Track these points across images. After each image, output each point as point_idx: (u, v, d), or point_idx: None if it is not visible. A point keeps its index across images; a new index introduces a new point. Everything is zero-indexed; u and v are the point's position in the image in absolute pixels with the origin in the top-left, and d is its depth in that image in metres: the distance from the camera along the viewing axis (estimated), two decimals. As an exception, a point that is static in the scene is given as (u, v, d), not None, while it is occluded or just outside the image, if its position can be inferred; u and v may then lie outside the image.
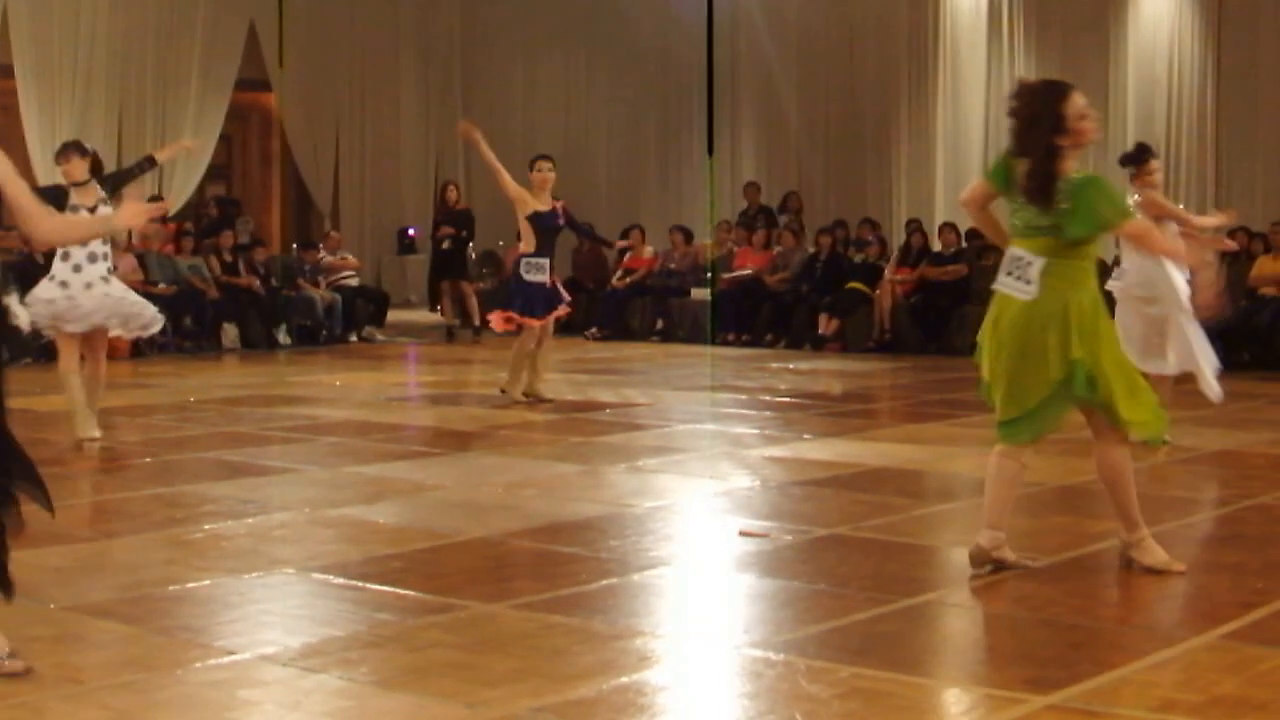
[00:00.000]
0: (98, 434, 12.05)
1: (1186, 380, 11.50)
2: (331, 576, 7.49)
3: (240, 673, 5.91)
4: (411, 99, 26.49)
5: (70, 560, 7.86)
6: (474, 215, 22.86)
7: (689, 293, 22.57)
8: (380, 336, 22.51)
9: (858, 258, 21.40)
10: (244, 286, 21.07)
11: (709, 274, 22.20)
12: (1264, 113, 21.08)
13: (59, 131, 22.05)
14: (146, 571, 7.63)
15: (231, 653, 6.15)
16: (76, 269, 11.86)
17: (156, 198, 19.14)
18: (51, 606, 6.84)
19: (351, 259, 23.45)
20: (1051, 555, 7.91)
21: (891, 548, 8.32)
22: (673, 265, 23.01)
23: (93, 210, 11.72)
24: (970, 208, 7.86)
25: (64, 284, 11.86)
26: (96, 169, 12.24)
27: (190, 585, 7.33)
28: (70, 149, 12.20)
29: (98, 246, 11.97)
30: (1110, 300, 9.60)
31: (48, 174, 21.85)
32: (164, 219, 20.73)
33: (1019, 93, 7.54)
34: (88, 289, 11.87)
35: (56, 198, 11.52)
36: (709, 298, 21.86)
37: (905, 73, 23.42)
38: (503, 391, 14.56)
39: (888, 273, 20.76)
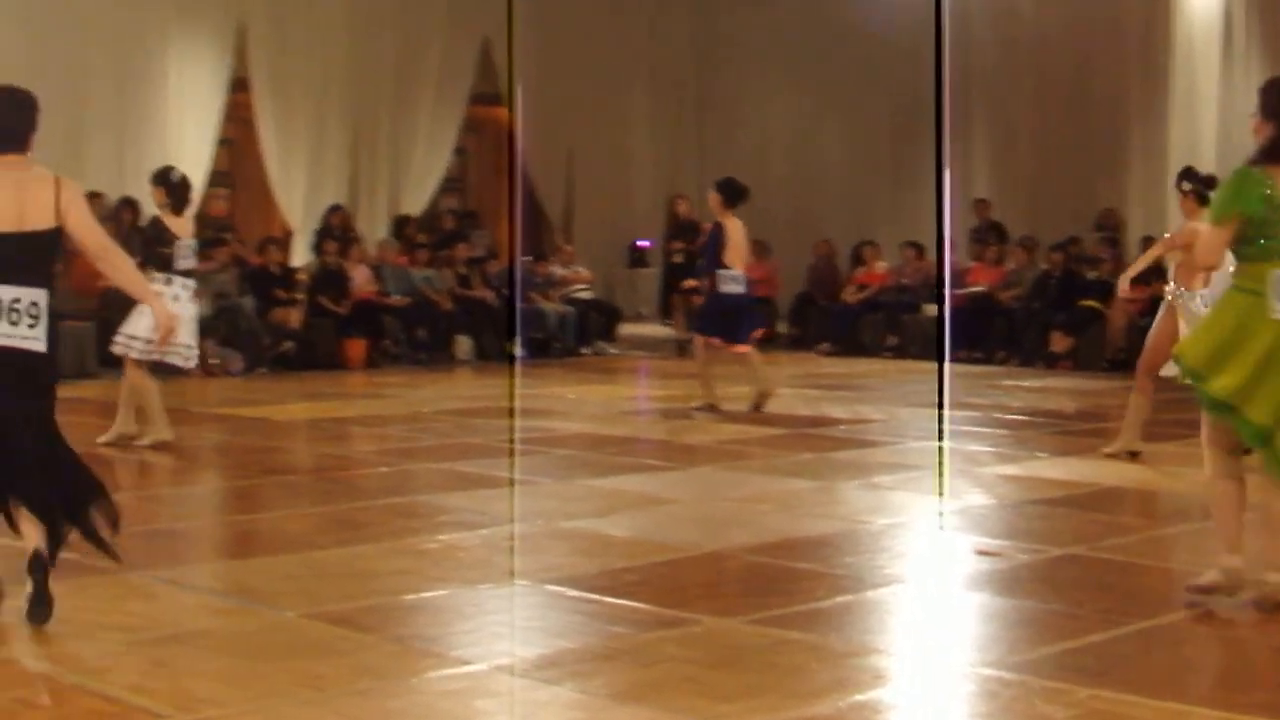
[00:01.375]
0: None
1: None
2: (565, 588, 7.50)
3: (475, 683, 5.93)
4: (643, 112, 26.53)
5: (306, 569, 7.95)
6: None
7: (920, 308, 22.39)
8: (612, 350, 22.60)
9: (1091, 275, 21.09)
10: (477, 299, 21.26)
11: (941, 290, 22.00)
12: None
13: (295, 145, 22.44)
14: (382, 581, 7.69)
15: (466, 663, 6.17)
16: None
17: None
18: (289, 614, 6.91)
19: (583, 272, 23.57)
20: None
21: (1128, 568, 8.18)
22: (904, 280, 22.85)
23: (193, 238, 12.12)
24: (1217, 262, 7.42)
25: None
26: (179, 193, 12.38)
27: (425, 595, 7.38)
28: (153, 178, 12.44)
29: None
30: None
31: (286, 188, 22.28)
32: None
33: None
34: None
35: (158, 233, 11.92)
36: (940, 314, 21.66)
37: (1137, 88, 23.01)
38: (711, 408, 14.58)
39: (1120, 291, 20.38)
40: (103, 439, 12.15)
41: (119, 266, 7.29)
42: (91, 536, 7.03)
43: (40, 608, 6.63)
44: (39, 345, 6.79)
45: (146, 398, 12.21)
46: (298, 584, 7.57)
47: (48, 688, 5.77)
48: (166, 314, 7.89)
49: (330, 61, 22.82)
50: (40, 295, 6.80)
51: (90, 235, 7.11)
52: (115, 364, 12.91)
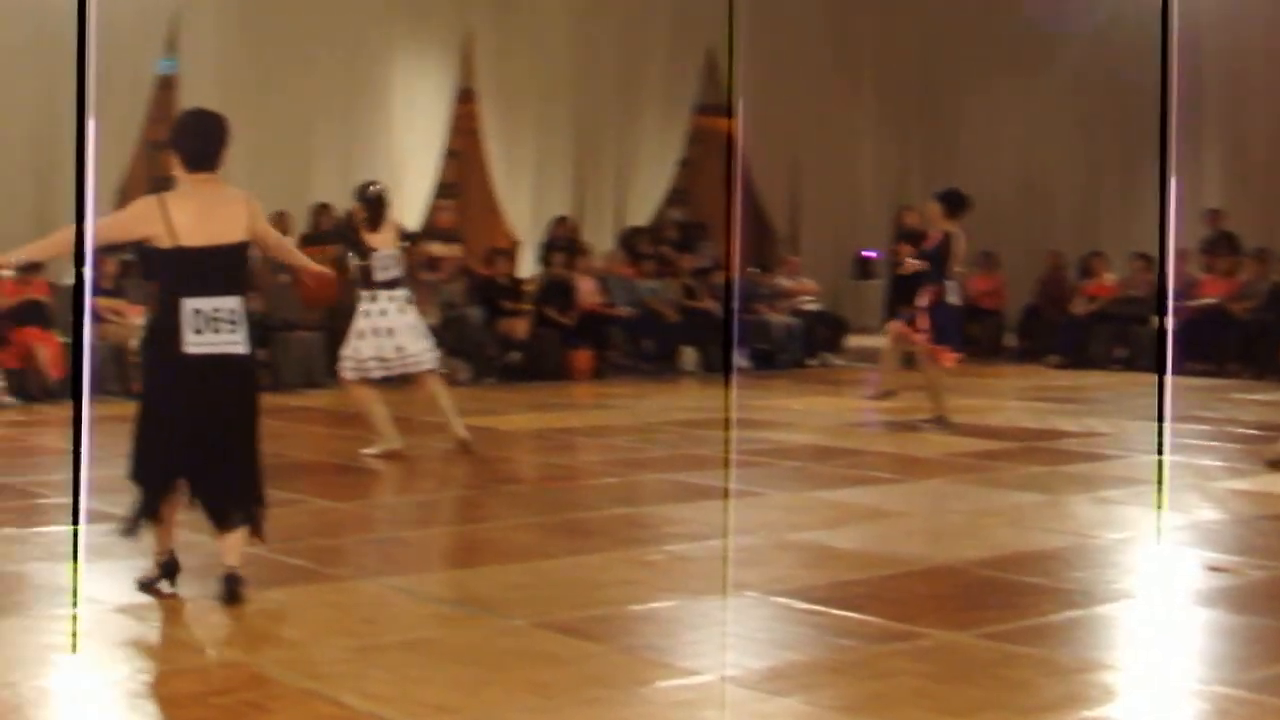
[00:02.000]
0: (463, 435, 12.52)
1: None
2: (794, 600, 7.48)
3: (703, 694, 5.93)
4: (868, 122, 26.42)
5: (535, 578, 8.01)
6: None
7: (1150, 320, 22.02)
8: (838, 361, 22.51)
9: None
10: (703, 310, 21.30)
11: (1164, 301, 21.62)
12: None
13: (521, 156, 22.64)
14: (609, 590, 7.72)
15: (694, 673, 6.17)
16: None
17: None
18: (518, 623, 6.96)
19: (809, 283, 23.51)
20: None
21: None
22: (1134, 292, 22.49)
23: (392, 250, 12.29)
24: None
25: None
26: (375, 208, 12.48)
27: (653, 605, 7.40)
28: (354, 193, 12.56)
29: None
30: None
31: (512, 199, 22.49)
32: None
33: None
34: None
35: (354, 247, 12.07)
36: (1161, 325, 21.30)
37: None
38: (940, 420, 14.47)
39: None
40: (369, 451, 12.35)
41: (290, 250, 8.51)
42: (255, 531, 7.53)
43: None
44: (240, 348, 7.31)
45: (370, 408, 12.38)
46: (526, 593, 7.63)
47: (278, 691, 5.86)
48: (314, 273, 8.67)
49: (555, 72, 23.01)
50: (237, 302, 7.31)
51: (270, 238, 8.02)
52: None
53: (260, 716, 5.52)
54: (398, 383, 12.72)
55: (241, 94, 20.01)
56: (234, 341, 7.27)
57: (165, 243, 7.22)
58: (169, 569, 7.40)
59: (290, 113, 20.43)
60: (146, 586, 7.36)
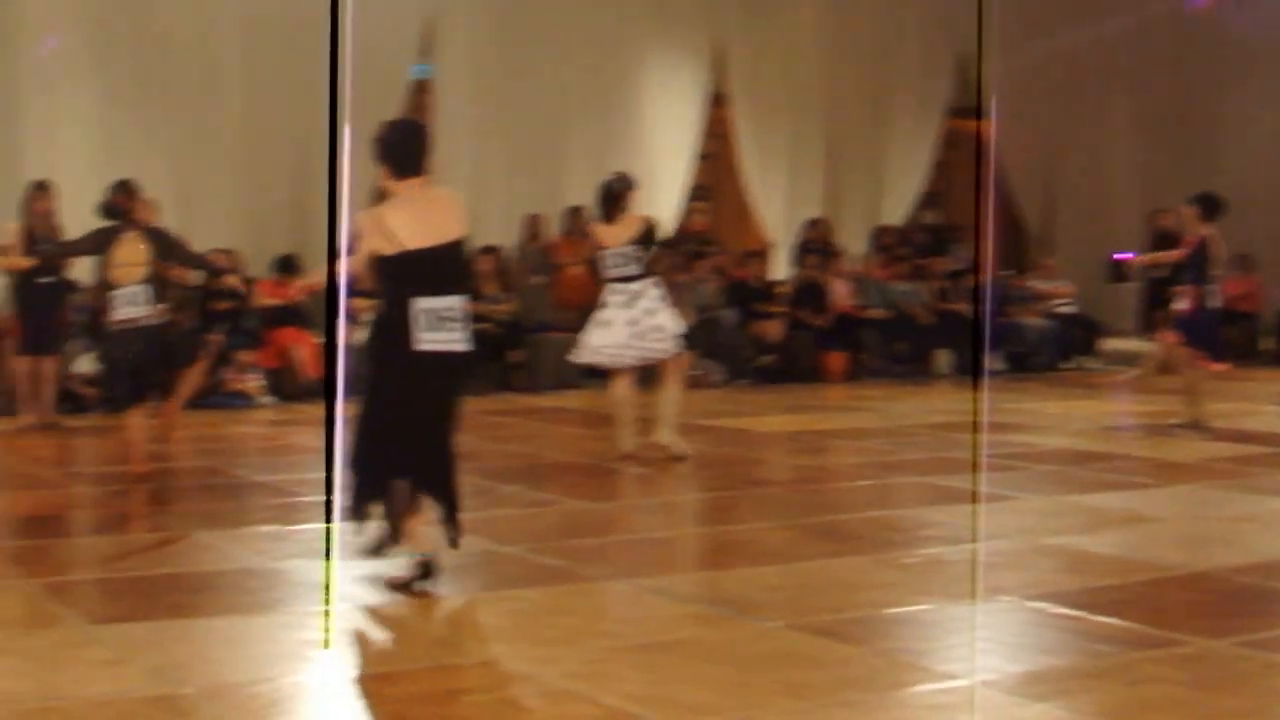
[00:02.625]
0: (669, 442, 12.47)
1: None
2: (1050, 605, 7.39)
3: (960, 698, 5.88)
4: (1123, 124, 26.00)
5: (790, 580, 8.00)
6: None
7: None
8: (1092, 365, 22.19)
9: None
10: (956, 312, 21.12)
11: None
12: None
13: (773, 158, 22.63)
14: (865, 593, 7.69)
15: (951, 678, 6.12)
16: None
17: None
18: (774, 625, 6.96)
19: (1065, 286, 23.20)
20: None
21: None
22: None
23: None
24: None
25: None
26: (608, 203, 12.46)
27: (910, 609, 7.36)
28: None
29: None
30: None
31: (764, 201, 22.51)
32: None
33: None
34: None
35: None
36: None
37: None
38: (1196, 424, 14.20)
39: None
40: (625, 448, 12.44)
41: None
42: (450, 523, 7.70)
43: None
44: (464, 346, 7.52)
45: (620, 408, 12.45)
46: (781, 595, 7.62)
47: (534, 690, 5.92)
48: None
49: (807, 75, 22.97)
50: (461, 301, 7.51)
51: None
52: (597, 375, 13.20)
53: (517, 715, 5.58)
54: (650, 382, 12.76)
55: (495, 99, 20.27)
56: (457, 340, 7.48)
57: (389, 250, 7.42)
58: (422, 569, 7.50)
59: (543, 117, 20.64)
60: (399, 585, 7.47)
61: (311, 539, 8.95)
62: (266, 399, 17.00)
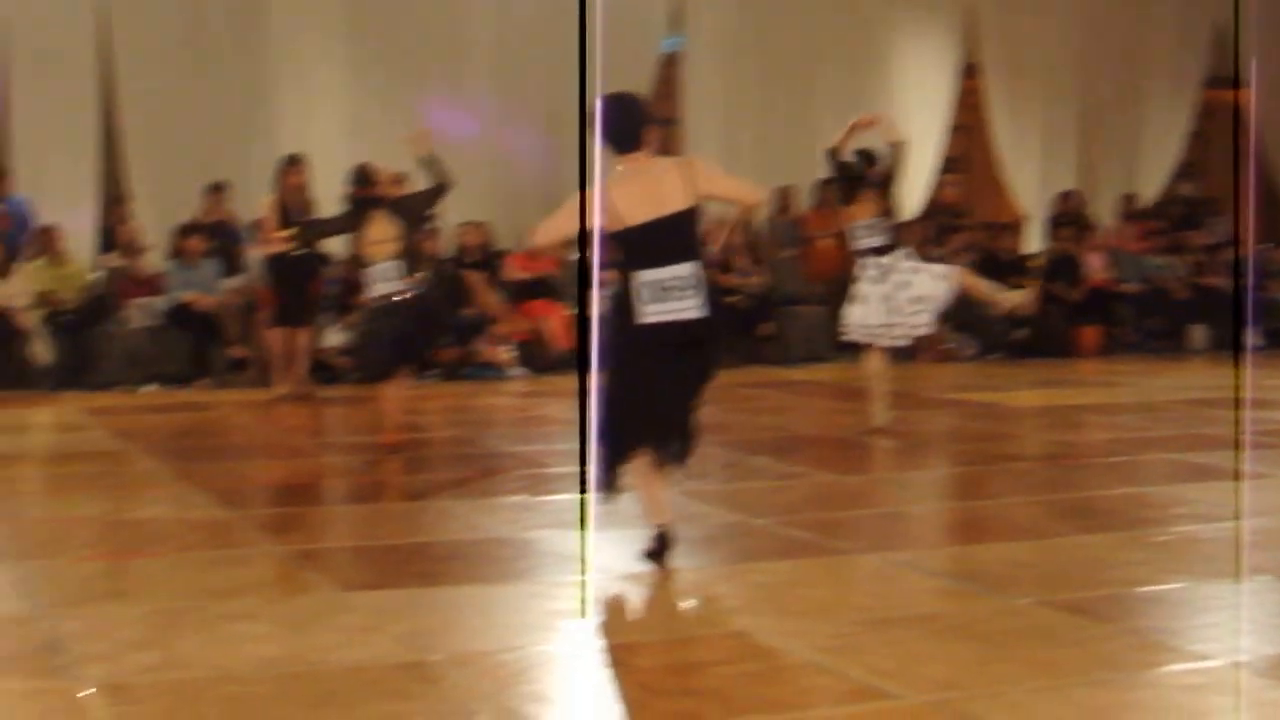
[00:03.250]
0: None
1: None
2: (1311, 587, 7.22)
3: (1211, 679, 5.75)
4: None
5: (1041, 556, 7.90)
6: None
7: None
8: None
9: None
10: (1213, 287, 20.69)
11: None
12: None
13: (1026, 130, 22.36)
14: (1116, 571, 7.56)
15: (1203, 658, 5.99)
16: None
17: None
18: (1022, 601, 6.87)
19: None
20: None
21: None
22: None
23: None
24: None
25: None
26: None
27: (1162, 587, 7.22)
28: None
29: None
30: None
31: (1017, 173, 22.25)
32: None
33: None
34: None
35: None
36: None
37: None
38: None
39: None
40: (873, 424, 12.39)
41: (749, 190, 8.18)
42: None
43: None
44: (696, 313, 7.41)
45: (872, 382, 12.37)
46: (1030, 571, 7.53)
47: (782, 663, 5.90)
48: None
49: (1060, 45, 22.65)
50: (690, 268, 7.43)
51: (720, 187, 7.88)
52: (850, 349, 13.14)
53: (765, 687, 5.56)
54: (901, 356, 12.67)
55: (744, 71, 20.26)
56: (689, 307, 7.42)
57: (615, 227, 7.43)
58: (664, 540, 7.51)
59: (793, 88, 20.59)
60: (651, 556, 7.49)
61: (560, 510, 9.03)
62: (517, 370, 17.17)
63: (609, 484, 7.60)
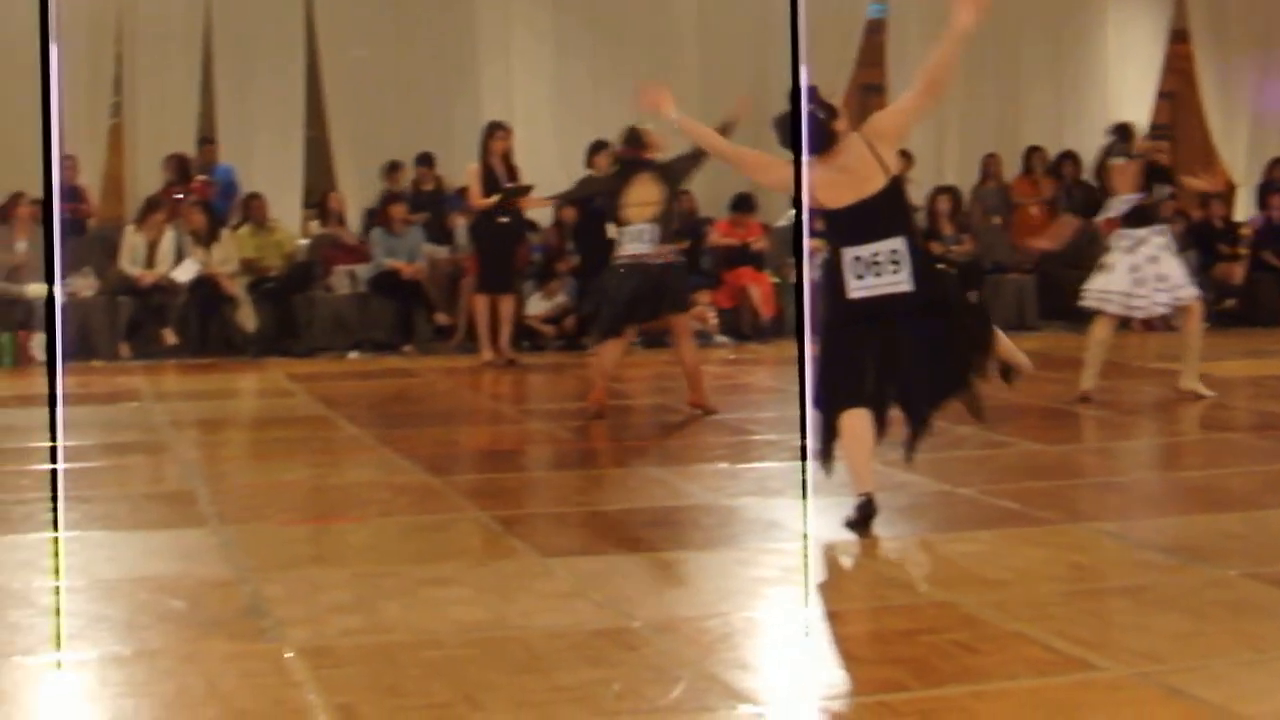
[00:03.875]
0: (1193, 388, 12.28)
1: None
2: None
3: None
4: None
5: (1250, 528, 7.76)
6: None
7: None
8: None
9: None
10: None
11: None
12: None
13: (1236, 97, 21.92)
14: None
15: None
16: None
17: None
18: (1231, 573, 6.75)
19: None
20: None
21: None
22: None
23: None
24: None
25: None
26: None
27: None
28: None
29: None
30: None
31: (1227, 141, 21.86)
32: None
33: None
34: None
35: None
36: None
37: None
38: None
39: None
40: (1085, 387, 12.25)
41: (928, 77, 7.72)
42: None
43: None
44: (907, 286, 7.45)
45: (1094, 349, 12.24)
46: (1240, 543, 7.40)
47: (987, 633, 5.84)
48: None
49: (1272, 8, 22.19)
50: (897, 243, 7.47)
51: (903, 115, 7.83)
52: (1060, 316, 12.98)
53: (969, 657, 5.52)
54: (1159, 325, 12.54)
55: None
56: (897, 281, 7.46)
57: (814, 204, 7.52)
58: (867, 509, 7.47)
59: (998, 56, 20.37)
60: (854, 525, 7.46)
61: (764, 476, 9.03)
62: (722, 338, 17.18)
63: (826, 454, 7.61)
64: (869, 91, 20.39)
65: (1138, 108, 20.93)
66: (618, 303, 11.41)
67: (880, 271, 7.44)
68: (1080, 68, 20.98)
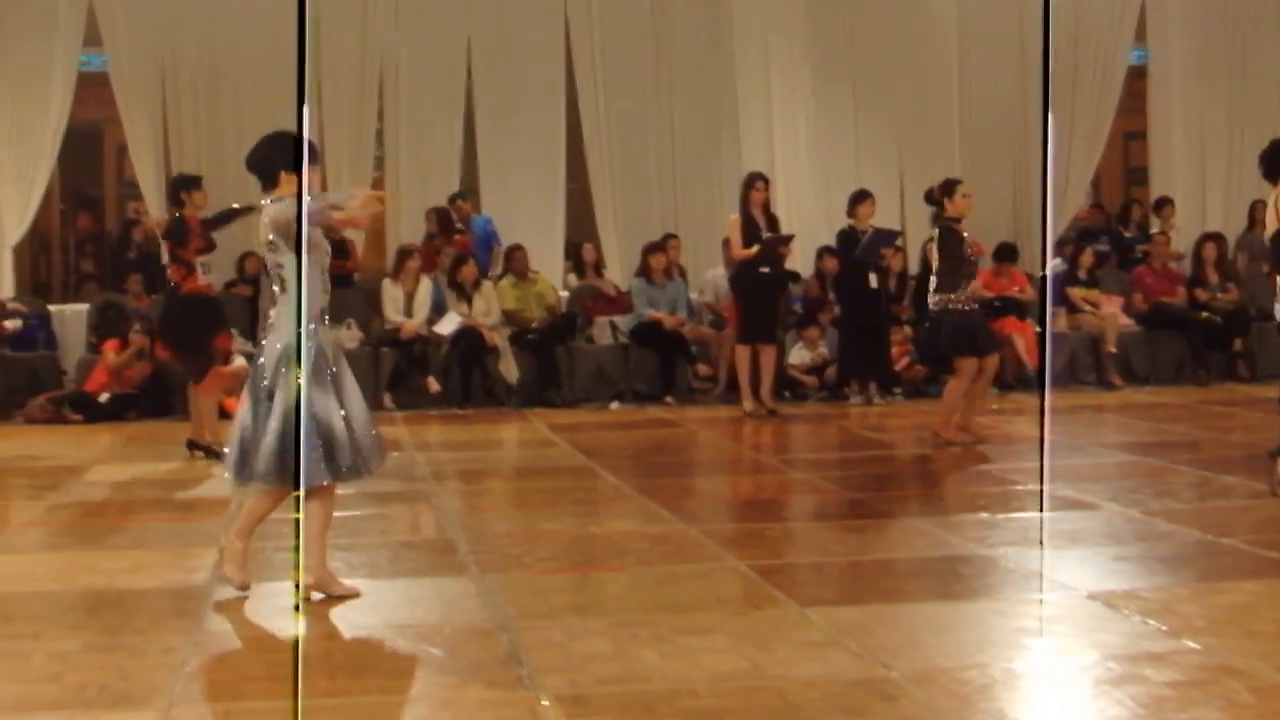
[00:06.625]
0: None
1: None
2: None
3: None
4: None
5: None
6: None
7: None
8: None
9: None
10: None
11: None
12: None
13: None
14: None
15: None
16: None
17: None
18: None
19: None
20: None
21: None
22: None
23: None
24: None
25: None
26: None
27: None
28: None
29: None
30: None
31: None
32: None
33: None
34: None
35: None
36: None
37: None
38: None
39: None
40: None
41: None
42: None
43: None
44: None
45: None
46: None
47: (1247, 684, 5.72)
48: None
49: None
50: None
51: None
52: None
53: (1229, 710, 5.43)
54: None
55: (1210, 84, 19.66)
56: None
57: None
58: None
59: (1265, 102, 19.98)
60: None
61: (1025, 527, 8.95)
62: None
63: None
64: (1131, 138, 20.14)
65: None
66: (962, 344, 12.60)
67: None
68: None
